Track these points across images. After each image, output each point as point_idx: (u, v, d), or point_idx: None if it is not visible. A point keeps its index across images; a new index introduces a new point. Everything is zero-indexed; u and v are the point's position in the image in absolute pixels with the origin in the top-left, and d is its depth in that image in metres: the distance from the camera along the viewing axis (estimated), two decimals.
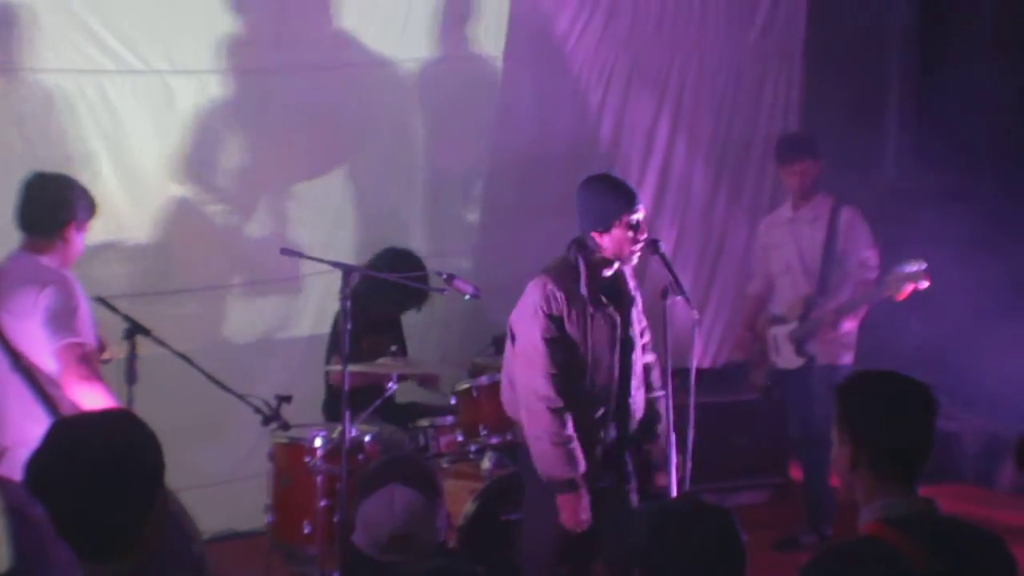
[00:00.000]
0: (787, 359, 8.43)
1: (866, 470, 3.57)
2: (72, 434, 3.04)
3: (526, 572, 6.43)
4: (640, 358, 6.37)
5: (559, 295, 6.11)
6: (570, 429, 6.06)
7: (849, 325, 8.22)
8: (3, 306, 6.02)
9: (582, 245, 6.23)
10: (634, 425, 6.33)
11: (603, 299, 6.20)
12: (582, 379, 6.15)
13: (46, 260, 6.06)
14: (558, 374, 6.09)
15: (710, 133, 10.53)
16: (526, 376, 6.16)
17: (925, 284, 7.84)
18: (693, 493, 6.03)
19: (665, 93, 10.28)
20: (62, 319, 5.92)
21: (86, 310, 6.04)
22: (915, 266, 7.85)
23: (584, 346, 6.13)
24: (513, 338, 6.29)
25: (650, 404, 6.39)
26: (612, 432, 6.28)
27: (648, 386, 6.43)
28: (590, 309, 6.15)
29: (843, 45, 10.70)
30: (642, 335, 6.43)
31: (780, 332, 8.45)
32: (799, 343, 8.33)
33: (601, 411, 6.21)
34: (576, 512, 6.08)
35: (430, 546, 3.81)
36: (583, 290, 6.14)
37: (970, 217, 9.22)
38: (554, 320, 6.11)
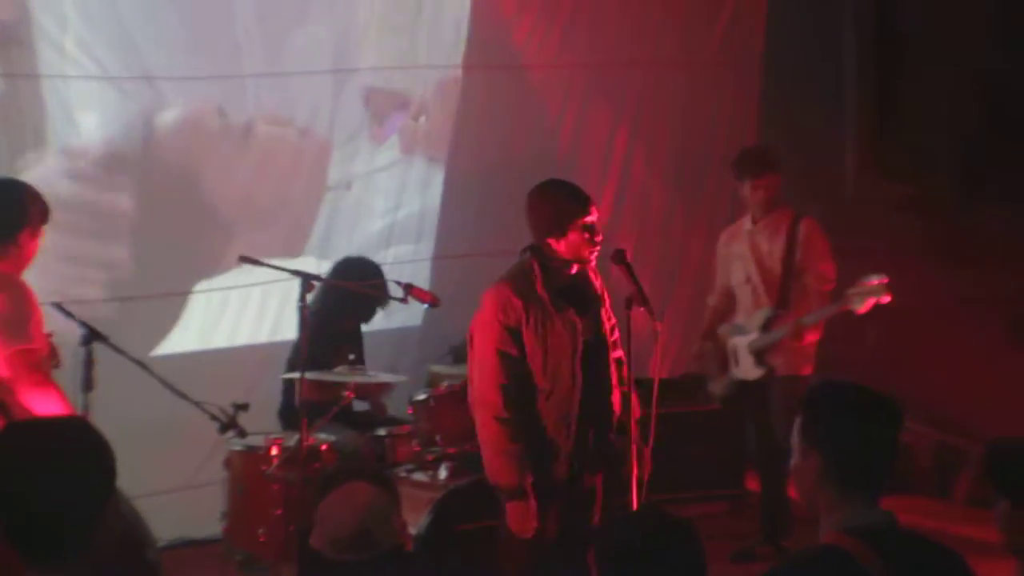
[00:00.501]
0: (746, 370, 8.44)
1: (823, 480, 3.56)
2: (23, 439, 3.01)
3: None
4: (612, 357, 6.31)
5: (515, 302, 6.10)
6: (517, 437, 6.06)
7: (810, 337, 8.23)
8: None
9: (537, 250, 6.21)
10: (613, 423, 6.29)
11: (563, 303, 6.17)
12: (543, 385, 6.13)
13: None
14: (508, 384, 6.08)
15: (667, 146, 10.55)
16: (479, 383, 6.17)
17: (887, 299, 7.87)
18: (654, 505, 6.03)
19: (623, 106, 10.30)
20: (15, 325, 5.87)
21: (39, 316, 5.99)
22: (877, 280, 7.87)
23: (544, 351, 6.12)
24: (471, 342, 6.28)
25: (623, 399, 6.35)
26: (586, 433, 6.23)
27: (621, 381, 6.39)
28: (549, 313, 6.13)
29: (801, 59, 10.72)
30: (612, 332, 6.40)
31: (740, 343, 8.45)
32: (758, 354, 8.33)
33: (564, 415, 6.18)
34: (521, 519, 6.09)
35: (388, 546, 3.78)
36: (540, 295, 6.12)
37: (928, 228, 9.27)
38: (509, 331, 6.09)
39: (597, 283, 6.35)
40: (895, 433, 3.59)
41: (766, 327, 8.31)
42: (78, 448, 2.97)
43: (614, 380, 6.31)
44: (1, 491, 2.92)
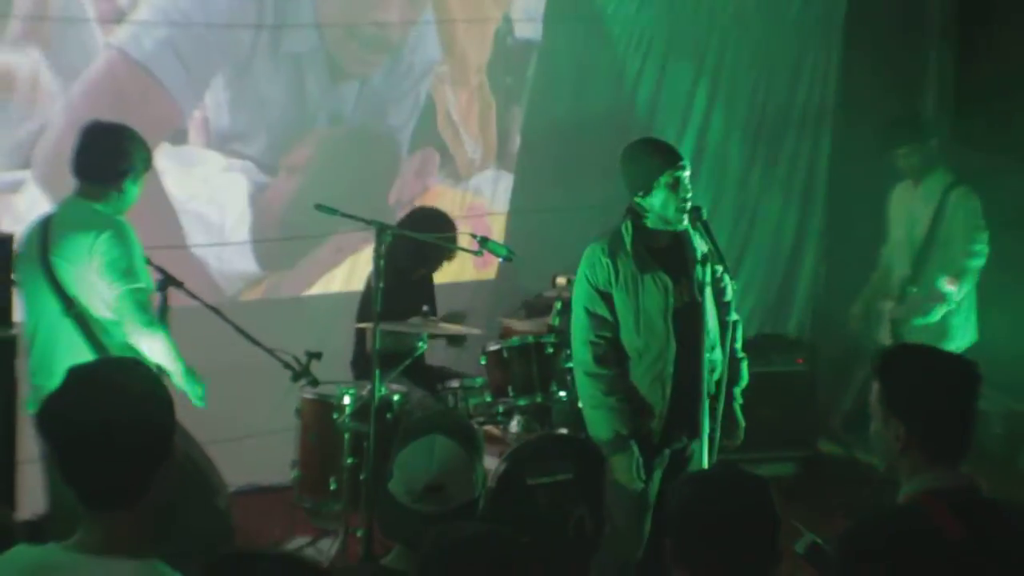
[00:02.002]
0: (882, 335, 8.40)
1: (904, 442, 3.54)
2: (85, 381, 3.01)
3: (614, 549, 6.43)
4: (711, 320, 6.23)
5: (605, 261, 6.10)
6: (610, 391, 6.06)
7: (932, 316, 8.16)
8: (56, 251, 6.03)
9: (632, 209, 6.18)
10: (711, 386, 6.24)
11: (653, 263, 6.13)
12: (635, 344, 6.11)
13: (100, 208, 6.07)
14: (597, 341, 6.09)
15: (747, 103, 10.48)
16: (573, 342, 6.23)
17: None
18: (730, 462, 6.00)
19: (703, 63, 10.24)
20: (121, 266, 5.93)
21: (141, 255, 6.05)
22: (952, 288, 7.87)
23: (635, 310, 6.09)
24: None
25: (732, 364, 6.31)
26: (681, 396, 6.19)
27: (733, 347, 6.32)
28: (638, 274, 6.09)
29: (883, 21, 10.60)
30: (723, 295, 6.34)
31: (884, 308, 8.42)
32: (894, 324, 8.29)
33: (658, 375, 6.15)
34: (626, 470, 6.08)
35: (463, 501, 3.79)
36: (631, 253, 6.09)
37: (1008, 195, 9.13)
38: (598, 291, 6.11)
39: (700, 247, 6.26)
40: (973, 397, 3.56)
41: (901, 298, 8.26)
42: (138, 393, 2.97)
43: (724, 343, 6.24)
44: (60, 433, 2.93)
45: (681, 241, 6.23)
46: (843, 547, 3.12)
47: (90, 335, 5.97)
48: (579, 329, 6.17)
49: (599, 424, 6.11)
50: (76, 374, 3.02)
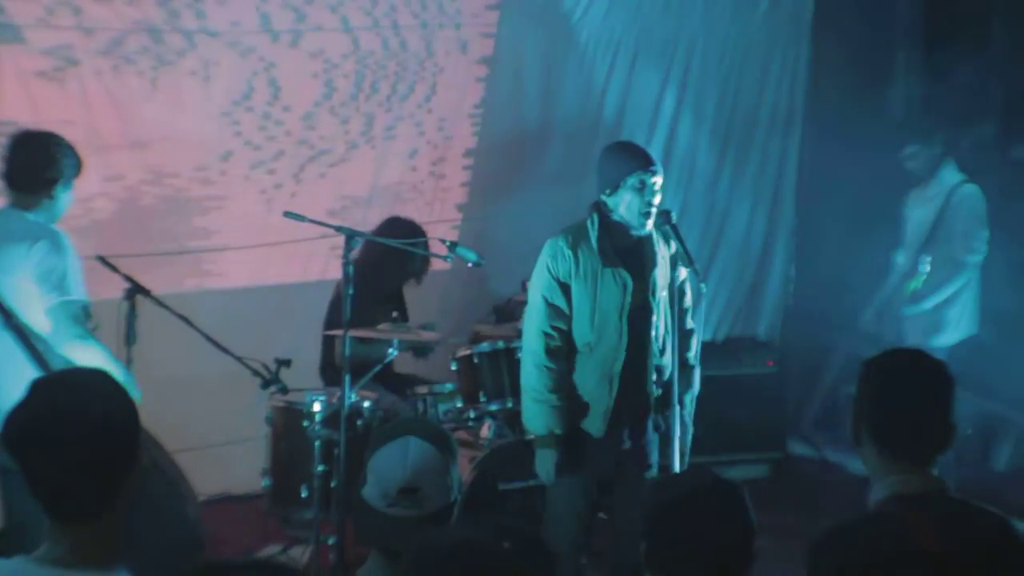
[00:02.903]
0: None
1: (871, 446, 3.54)
2: (50, 394, 2.98)
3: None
4: (662, 324, 6.23)
5: (567, 252, 6.13)
6: (555, 388, 6.09)
7: (930, 305, 8.17)
8: None
9: (598, 206, 6.21)
10: (658, 390, 6.25)
11: (615, 259, 6.14)
12: (588, 338, 6.12)
13: (32, 217, 5.99)
14: (551, 333, 6.13)
15: (716, 107, 10.49)
16: (525, 330, 6.25)
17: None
18: (704, 467, 6.00)
19: (671, 66, 10.24)
20: (53, 277, 5.85)
21: (77, 266, 5.97)
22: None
23: (592, 303, 6.11)
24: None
25: (684, 371, 6.28)
26: (627, 395, 6.20)
27: (686, 356, 6.33)
28: (600, 268, 6.11)
29: (851, 22, 10.62)
30: (682, 300, 6.33)
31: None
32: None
33: (607, 372, 6.16)
34: (545, 465, 6.16)
35: (439, 505, 3.76)
36: (593, 245, 6.11)
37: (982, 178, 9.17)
38: (558, 282, 6.14)
39: (662, 252, 6.27)
40: (941, 398, 3.55)
41: (912, 297, 8.29)
42: (104, 404, 2.95)
43: (662, 347, 6.25)
44: (27, 446, 2.91)
45: (643, 243, 6.23)
46: (813, 558, 3.11)
47: (30, 348, 5.86)
48: (534, 318, 6.20)
49: (535, 418, 6.16)
50: (40, 385, 2.99)
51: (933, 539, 3.26)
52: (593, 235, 6.14)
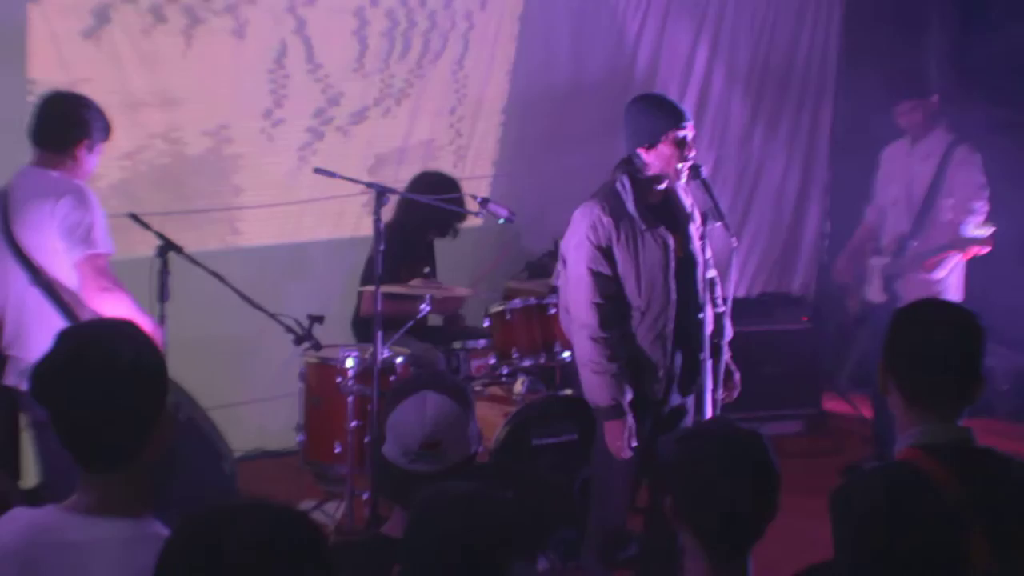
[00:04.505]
0: (875, 292, 8.37)
1: (899, 396, 3.53)
2: (77, 342, 3.00)
3: (597, 516, 6.38)
4: (704, 275, 6.21)
5: (605, 220, 5.99)
6: (613, 357, 5.97)
7: (936, 273, 8.10)
8: (18, 220, 5.96)
9: (628, 164, 6.12)
10: (706, 341, 6.21)
11: (653, 219, 6.10)
12: (637, 303, 6.08)
13: (57, 175, 6.01)
14: (603, 303, 5.99)
15: (748, 62, 10.46)
16: (575, 304, 6.09)
17: (987, 249, 7.82)
18: (726, 417, 5.99)
19: (703, 21, 10.23)
20: (80, 231, 5.87)
21: (102, 220, 5.99)
22: (983, 230, 7.80)
23: (636, 268, 6.07)
24: (564, 263, 6.21)
25: (716, 319, 6.30)
26: (679, 352, 6.15)
27: (713, 301, 6.31)
28: (640, 229, 6.06)
29: None
30: (704, 250, 6.32)
31: (876, 264, 8.39)
32: (887, 280, 8.26)
33: (660, 333, 6.13)
34: (617, 438, 6.03)
35: (460, 457, 3.76)
36: (630, 210, 6.06)
37: (1016, 148, 9.10)
38: (600, 250, 5.99)
39: (688, 201, 6.25)
40: (966, 349, 3.53)
41: (899, 253, 8.23)
42: (131, 352, 2.96)
43: (705, 298, 6.22)
44: (55, 394, 2.92)
45: (671, 196, 6.19)
46: (835, 505, 3.09)
47: (60, 303, 5.90)
48: (582, 290, 6.04)
49: (598, 389, 6.02)
50: (67, 336, 3.01)
51: (956, 488, 3.25)
52: (628, 198, 6.09)
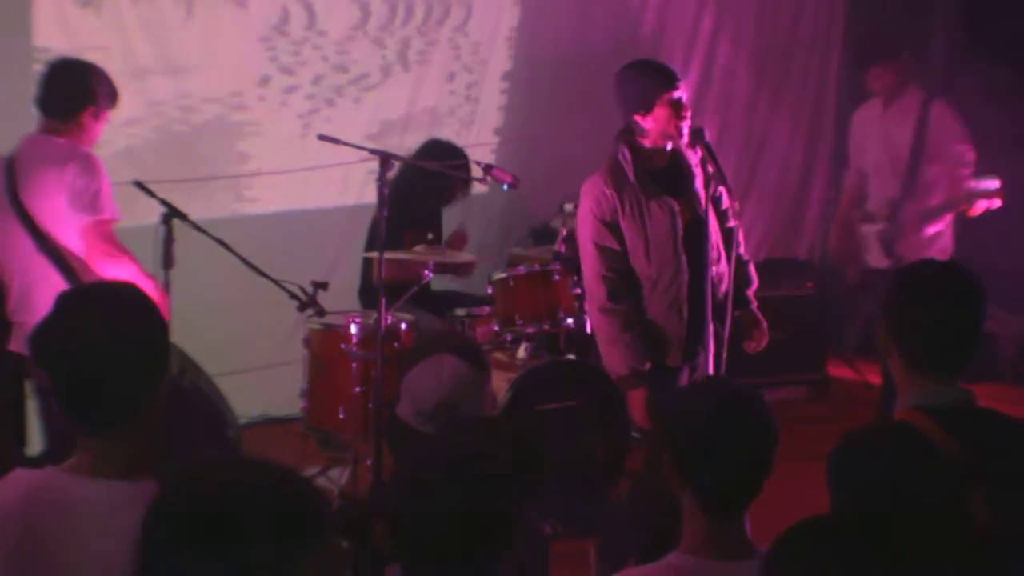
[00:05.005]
0: (876, 258, 8.33)
1: (898, 358, 3.53)
2: (75, 302, 3.02)
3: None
4: (715, 232, 6.18)
5: (608, 192, 6.01)
6: (625, 327, 5.98)
7: (933, 229, 8.08)
8: (25, 186, 5.97)
9: (627, 134, 6.11)
10: (719, 298, 6.20)
11: (656, 188, 6.08)
12: (648, 273, 6.06)
13: (62, 141, 6.02)
14: (610, 275, 6.01)
15: (754, 30, 10.44)
16: (585, 278, 6.18)
17: (998, 203, 7.78)
18: (721, 375, 6.01)
19: None
20: (86, 197, 5.88)
21: (108, 186, 5.99)
22: (990, 183, 7.77)
23: (645, 239, 6.05)
24: (578, 239, 6.26)
25: (739, 268, 6.28)
26: (694, 315, 6.11)
27: (733, 253, 6.26)
28: (644, 198, 6.06)
29: None
30: (720, 203, 6.31)
31: (870, 231, 8.36)
32: (887, 244, 8.24)
33: (674, 300, 6.12)
34: (640, 407, 6.03)
35: (474, 420, 3.77)
36: (632, 181, 6.05)
37: (1020, 112, 9.08)
38: (606, 224, 6.01)
39: (695, 159, 6.22)
40: (970, 311, 3.52)
41: (892, 217, 8.21)
42: (129, 313, 2.97)
43: (717, 254, 6.17)
44: (53, 354, 2.94)
45: (677, 159, 6.18)
46: (833, 466, 3.10)
47: (66, 269, 5.92)
48: (590, 264, 6.09)
49: (615, 360, 6.04)
50: (66, 297, 3.03)
51: (956, 449, 3.24)
52: (628, 169, 6.08)
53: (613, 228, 6.03)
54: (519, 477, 2.94)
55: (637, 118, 6.05)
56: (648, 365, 6.02)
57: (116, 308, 2.97)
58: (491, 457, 3.03)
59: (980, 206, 7.85)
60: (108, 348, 2.90)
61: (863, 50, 8.54)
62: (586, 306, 6.24)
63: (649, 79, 6.10)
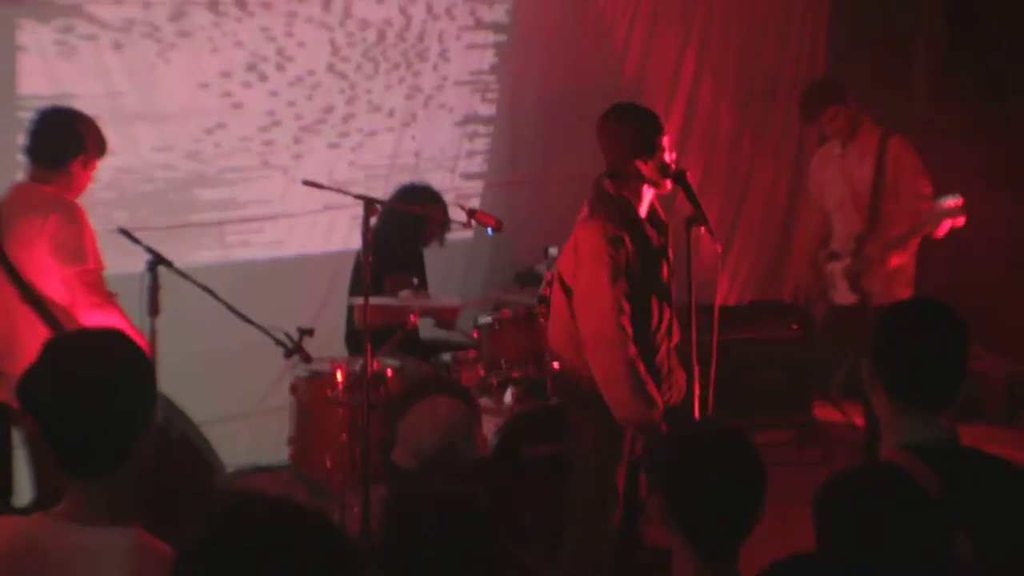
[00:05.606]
0: (843, 295, 8.39)
1: (884, 396, 3.54)
2: (62, 349, 3.04)
3: (582, 520, 6.31)
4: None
5: (621, 236, 5.90)
6: (646, 373, 5.89)
7: (897, 260, 8.13)
8: (8, 236, 5.97)
9: (619, 177, 6.05)
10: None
11: (656, 233, 6.07)
12: (654, 315, 6.03)
13: (49, 190, 6.02)
14: (628, 319, 5.89)
15: (735, 71, 10.49)
16: (593, 322, 5.93)
17: (961, 221, 7.81)
18: (711, 417, 5.98)
19: (690, 31, 10.26)
20: (69, 247, 5.88)
21: (93, 237, 5.99)
22: (952, 201, 7.81)
23: (651, 282, 5.99)
24: (564, 284, 6.07)
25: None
26: (683, 363, 6.15)
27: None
28: (647, 244, 6.00)
29: None
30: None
31: (836, 268, 8.41)
32: (853, 279, 8.29)
33: (669, 341, 6.10)
34: None
35: (471, 459, 3.77)
36: (637, 223, 5.98)
37: (999, 155, 9.12)
38: (620, 266, 5.88)
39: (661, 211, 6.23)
40: (954, 349, 3.54)
41: (857, 251, 8.26)
42: (116, 358, 2.99)
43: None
44: (39, 399, 2.95)
45: (654, 205, 6.17)
46: (818, 505, 3.11)
47: (50, 319, 5.91)
48: (604, 308, 5.87)
49: (636, 407, 5.87)
50: (53, 343, 3.04)
51: (941, 486, 3.25)
52: (635, 211, 6.01)
53: (628, 272, 5.93)
54: (510, 520, 2.96)
55: (639, 163, 6.00)
56: (662, 408, 5.97)
57: (104, 353, 2.98)
58: (484, 499, 3.05)
59: (944, 226, 7.88)
60: (97, 393, 2.91)
61: (808, 99, 8.58)
62: (594, 350, 5.95)
63: (647, 123, 6.06)
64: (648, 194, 6.08)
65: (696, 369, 6.09)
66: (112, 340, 3.06)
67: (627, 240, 5.93)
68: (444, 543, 2.98)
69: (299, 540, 2.19)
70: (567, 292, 6.07)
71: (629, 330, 5.89)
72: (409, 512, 3.06)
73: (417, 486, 3.17)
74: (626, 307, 5.90)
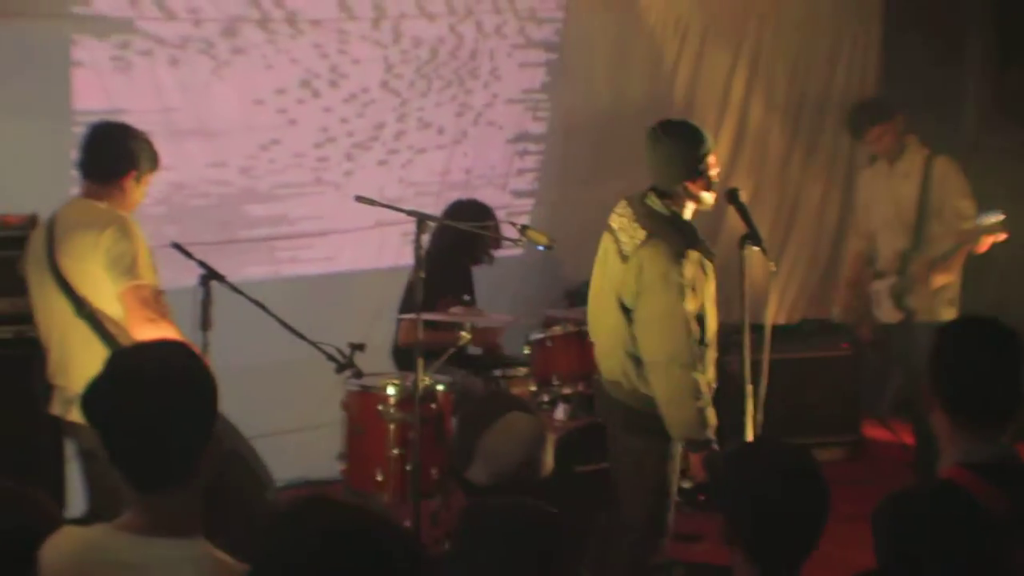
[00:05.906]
0: (888, 313, 8.38)
1: (943, 415, 3.53)
2: (127, 362, 3.05)
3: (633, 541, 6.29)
4: None
5: (687, 255, 5.85)
6: (708, 392, 5.90)
7: (941, 279, 8.11)
8: (63, 251, 5.98)
9: (666, 195, 6.01)
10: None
11: (708, 250, 6.02)
12: (709, 334, 5.99)
13: (103, 206, 6.05)
14: (693, 339, 5.87)
15: (786, 90, 10.48)
16: (664, 345, 5.88)
17: (1004, 236, 7.78)
18: (771, 435, 5.93)
19: (740, 49, 10.27)
20: (124, 262, 5.89)
21: (145, 252, 6.01)
22: (993, 218, 7.78)
23: (710, 302, 5.97)
24: (624, 307, 5.99)
25: None
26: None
27: None
28: (706, 263, 5.95)
29: (922, 4, 10.56)
30: None
31: (881, 287, 8.40)
32: (897, 298, 8.27)
33: (717, 360, 6.08)
34: (701, 467, 5.90)
35: (548, 472, 3.78)
36: (698, 244, 5.94)
37: None
38: (689, 287, 5.85)
39: None
40: (1013, 367, 3.53)
41: (902, 270, 8.25)
42: (180, 371, 3.00)
43: None
44: (105, 413, 2.96)
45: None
46: (877, 523, 3.10)
47: (104, 334, 5.92)
48: (677, 328, 5.83)
49: (698, 425, 5.86)
50: (118, 356, 3.05)
51: (1003, 506, 3.24)
52: (694, 232, 5.98)
53: (695, 290, 5.90)
54: (577, 539, 2.97)
55: (688, 184, 5.96)
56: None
57: (169, 366, 2.99)
58: (560, 517, 3.06)
59: (986, 242, 7.85)
60: (165, 406, 2.92)
61: (855, 118, 8.58)
62: (664, 371, 5.89)
63: (696, 144, 5.99)
64: (693, 209, 6.07)
65: (749, 388, 6.06)
66: (176, 352, 3.07)
67: (690, 257, 5.89)
68: (521, 558, 2.99)
69: (377, 546, 2.20)
70: (626, 313, 6.00)
71: (694, 351, 5.88)
72: (489, 525, 3.07)
73: (499, 500, 3.16)
74: (695, 329, 5.89)
